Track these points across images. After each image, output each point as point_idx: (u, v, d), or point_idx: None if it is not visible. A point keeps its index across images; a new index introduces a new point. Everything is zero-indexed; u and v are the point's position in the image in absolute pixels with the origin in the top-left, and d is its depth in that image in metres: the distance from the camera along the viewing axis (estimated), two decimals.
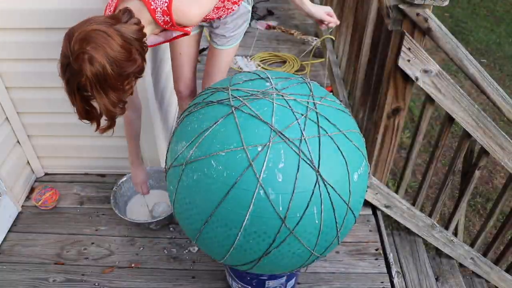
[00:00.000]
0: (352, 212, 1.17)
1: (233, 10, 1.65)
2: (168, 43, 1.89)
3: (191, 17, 1.36)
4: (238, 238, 1.09)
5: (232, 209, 1.06)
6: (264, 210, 1.04)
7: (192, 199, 1.12)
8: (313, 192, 1.05)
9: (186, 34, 1.45)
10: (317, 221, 1.09)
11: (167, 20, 1.31)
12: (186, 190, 1.13)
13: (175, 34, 1.45)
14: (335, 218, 1.12)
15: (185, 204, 1.15)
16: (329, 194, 1.07)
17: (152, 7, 1.28)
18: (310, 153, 1.06)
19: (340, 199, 1.10)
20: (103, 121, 1.25)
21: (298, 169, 1.04)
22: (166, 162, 1.28)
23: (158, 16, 1.30)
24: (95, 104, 1.19)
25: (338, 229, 1.15)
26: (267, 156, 1.04)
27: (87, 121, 1.24)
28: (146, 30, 1.26)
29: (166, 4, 1.28)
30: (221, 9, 1.62)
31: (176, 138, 1.23)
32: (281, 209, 1.04)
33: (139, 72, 1.22)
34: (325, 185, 1.06)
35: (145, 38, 1.24)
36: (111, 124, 1.27)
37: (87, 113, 1.21)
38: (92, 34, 1.10)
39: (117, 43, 1.12)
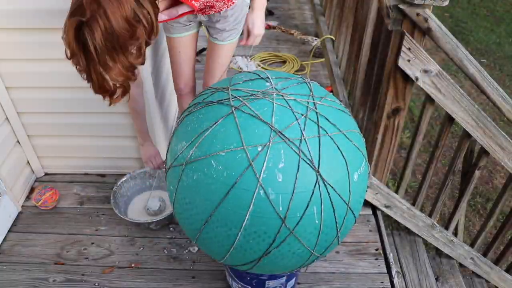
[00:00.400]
0: (352, 212, 1.17)
1: (233, 3, 1.65)
2: (166, 40, 1.89)
3: None
4: (238, 238, 1.09)
5: (232, 209, 1.06)
6: (264, 210, 1.04)
7: (192, 199, 1.12)
8: (313, 192, 1.05)
9: (192, 11, 1.41)
10: (317, 221, 1.09)
11: None
12: (186, 190, 1.13)
13: (180, 11, 1.42)
14: (335, 218, 1.12)
15: (185, 204, 1.15)
16: (329, 194, 1.07)
17: None
18: (310, 153, 1.06)
19: (340, 199, 1.10)
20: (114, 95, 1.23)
21: (298, 169, 1.04)
22: (166, 162, 1.28)
23: None
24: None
25: (338, 229, 1.15)
26: (267, 156, 1.04)
27: (101, 95, 1.21)
28: None
29: None
30: (223, 0, 1.62)
31: (176, 138, 1.23)
32: (281, 209, 1.04)
33: (151, 32, 1.18)
34: (325, 185, 1.06)
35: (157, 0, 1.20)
36: (126, 89, 1.24)
37: (101, 86, 1.17)
38: None
39: (130, 3, 1.09)
